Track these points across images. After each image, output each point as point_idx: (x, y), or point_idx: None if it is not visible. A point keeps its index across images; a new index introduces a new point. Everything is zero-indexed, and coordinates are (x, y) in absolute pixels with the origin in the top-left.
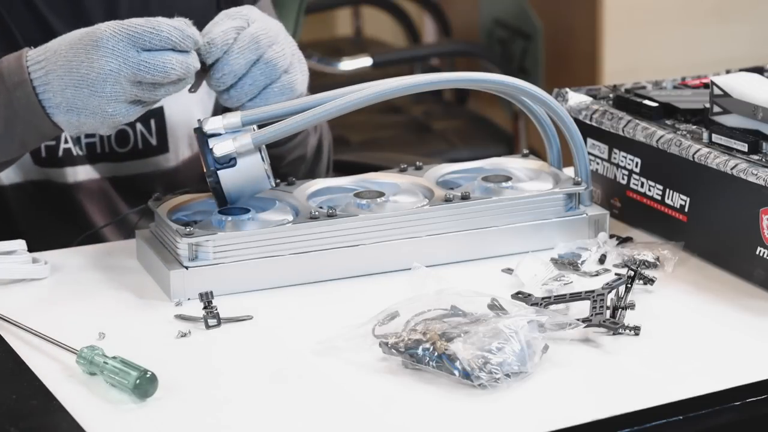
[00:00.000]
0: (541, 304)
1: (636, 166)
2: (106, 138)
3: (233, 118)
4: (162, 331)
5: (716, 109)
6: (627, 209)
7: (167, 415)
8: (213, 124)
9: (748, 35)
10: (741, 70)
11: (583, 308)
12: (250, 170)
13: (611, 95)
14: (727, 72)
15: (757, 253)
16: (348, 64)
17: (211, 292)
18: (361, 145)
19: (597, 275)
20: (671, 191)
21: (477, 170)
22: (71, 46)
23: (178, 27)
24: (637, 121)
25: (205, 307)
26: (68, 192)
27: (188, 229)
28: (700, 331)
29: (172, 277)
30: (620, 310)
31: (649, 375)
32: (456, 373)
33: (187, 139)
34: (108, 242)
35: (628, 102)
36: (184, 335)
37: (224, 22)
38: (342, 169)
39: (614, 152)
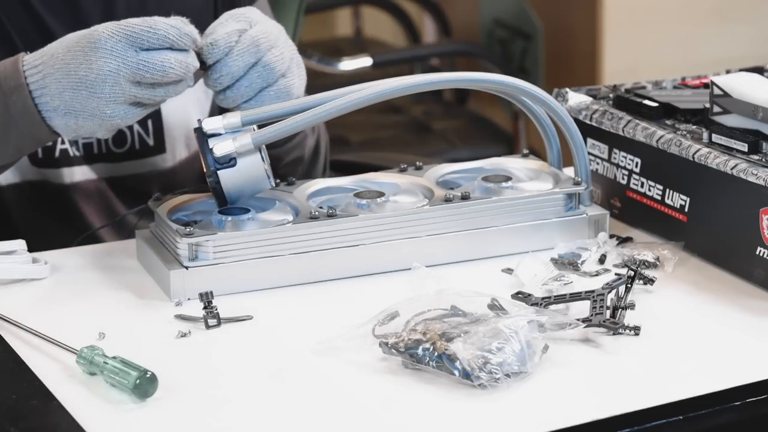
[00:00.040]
0: (541, 304)
1: (636, 166)
2: (104, 139)
3: (233, 118)
4: (162, 331)
5: (716, 109)
6: (627, 209)
7: (167, 415)
8: (213, 124)
9: (748, 35)
10: (741, 70)
11: (583, 308)
12: (250, 170)
13: (611, 95)
14: (727, 72)
15: (757, 253)
16: (348, 64)
17: (211, 292)
18: (361, 145)
19: (597, 275)
20: (671, 191)
21: (477, 170)
22: (68, 49)
23: (175, 25)
24: (637, 121)
25: (205, 307)
26: (65, 192)
27: (188, 229)
28: (700, 331)
29: (172, 277)
30: (620, 310)
31: (649, 375)
32: (456, 373)
33: (184, 139)
34: (107, 242)
35: (628, 102)
36: (184, 335)
37: (228, 24)
38: (342, 169)
39: (614, 152)
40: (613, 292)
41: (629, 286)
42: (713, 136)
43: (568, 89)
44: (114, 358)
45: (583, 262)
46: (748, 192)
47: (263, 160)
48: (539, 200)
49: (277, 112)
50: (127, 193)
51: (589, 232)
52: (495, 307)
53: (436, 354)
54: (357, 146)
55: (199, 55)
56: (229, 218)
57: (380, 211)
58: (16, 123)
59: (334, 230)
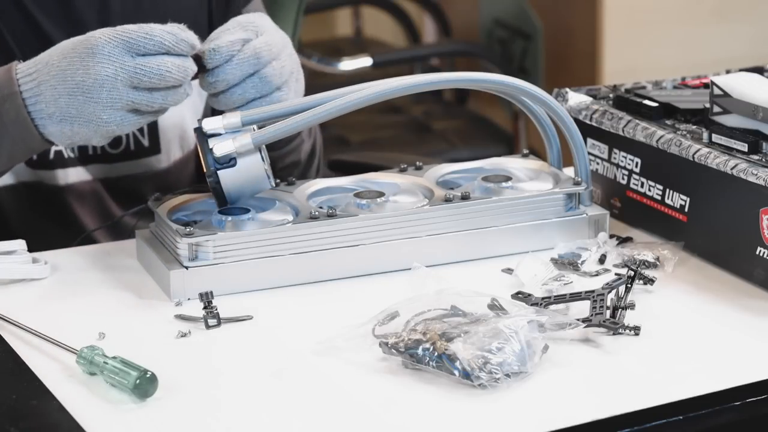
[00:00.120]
0: (541, 304)
1: (636, 166)
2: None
3: (233, 118)
4: (162, 331)
5: (716, 109)
6: (627, 209)
7: (167, 415)
8: (213, 124)
9: (748, 35)
10: (741, 70)
11: (583, 308)
12: (250, 170)
13: (611, 95)
14: (727, 72)
15: (757, 253)
16: (348, 64)
17: (211, 292)
18: (361, 145)
19: (597, 275)
20: (671, 191)
21: (477, 170)
22: (64, 56)
23: (172, 32)
24: (637, 121)
25: (205, 307)
26: (59, 194)
27: (188, 229)
28: (700, 331)
29: (172, 277)
30: (620, 310)
31: (649, 375)
32: (456, 373)
33: (179, 140)
34: (107, 242)
35: (628, 102)
36: (184, 335)
37: (234, 32)
38: (342, 169)
39: (614, 152)
40: (613, 292)
41: (629, 286)
42: (713, 136)
43: (568, 89)
44: (114, 358)
45: (583, 262)
46: (748, 192)
47: (263, 160)
48: (539, 200)
49: (277, 112)
50: (122, 194)
51: (589, 232)
52: (495, 307)
53: (436, 354)
54: (357, 146)
55: (198, 58)
56: (229, 218)
57: (380, 211)
58: (8, 131)
59: (334, 230)
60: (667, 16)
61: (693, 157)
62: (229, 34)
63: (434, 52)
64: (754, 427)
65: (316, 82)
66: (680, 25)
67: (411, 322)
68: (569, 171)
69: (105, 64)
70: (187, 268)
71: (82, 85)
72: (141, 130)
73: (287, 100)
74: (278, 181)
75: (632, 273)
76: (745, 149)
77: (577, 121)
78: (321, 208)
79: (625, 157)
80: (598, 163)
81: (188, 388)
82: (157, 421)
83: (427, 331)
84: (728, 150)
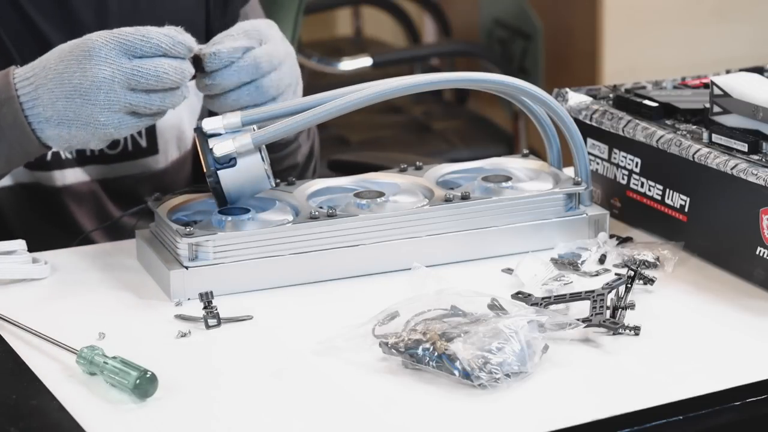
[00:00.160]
0: (541, 304)
1: (636, 166)
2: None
3: (233, 118)
4: (162, 331)
5: (716, 109)
6: (627, 209)
7: (167, 415)
8: (213, 124)
9: (748, 35)
10: (741, 70)
11: (583, 308)
12: (250, 170)
13: (611, 95)
14: (727, 72)
15: (757, 253)
16: (348, 64)
17: (211, 292)
18: (361, 145)
19: (597, 275)
20: (671, 191)
21: (477, 170)
22: (61, 59)
23: (168, 34)
24: (637, 121)
25: (205, 307)
26: (57, 195)
27: (188, 229)
28: (700, 331)
29: (172, 277)
30: (620, 310)
31: (649, 375)
32: (456, 373)
33: (176, 140)
34: (107, 242)
35: (628, 102)
36: (184, 335)
37: (238, 39)
38: (342, 169)
39: (614, 152)
40: (613, 292)
41: (629, 286)
42: (713, 136)
43: (568, 89)
44: (114, 358)
45: (583, 262)
46: (748, 192)
47: (263, 160)
48: (539, 200)
49: (277, 112)
50: (119, 194)
51: (589, 232)
52: (495, 307)
53: (436, 354)
54: (357, 146)
55: (198, 59)
56: (229, 218)
57: (380, 211)
58: (5, 136)
59: (334, 230)
60: (667, 16)
61: (693, 157)
62: (232, 40)
63: (434, 52)
64: (754, 427)
65: (316, 82)
66: (680, 25)
67: (411, 322)
68: (569, 171)
69: (102, 66)
70: (187, 268)
71: (79, 88)
72: (139, 131)
73: None
74: (278, 181)
75: (632, 273)
76: (745, 149)
77: (577, 121)
78: (321, 208)
79: (625, 157)
80: (598, 163)
81: (188, 388)
82: (157, 421)
83: (427, 331)
84: (728, 150)
